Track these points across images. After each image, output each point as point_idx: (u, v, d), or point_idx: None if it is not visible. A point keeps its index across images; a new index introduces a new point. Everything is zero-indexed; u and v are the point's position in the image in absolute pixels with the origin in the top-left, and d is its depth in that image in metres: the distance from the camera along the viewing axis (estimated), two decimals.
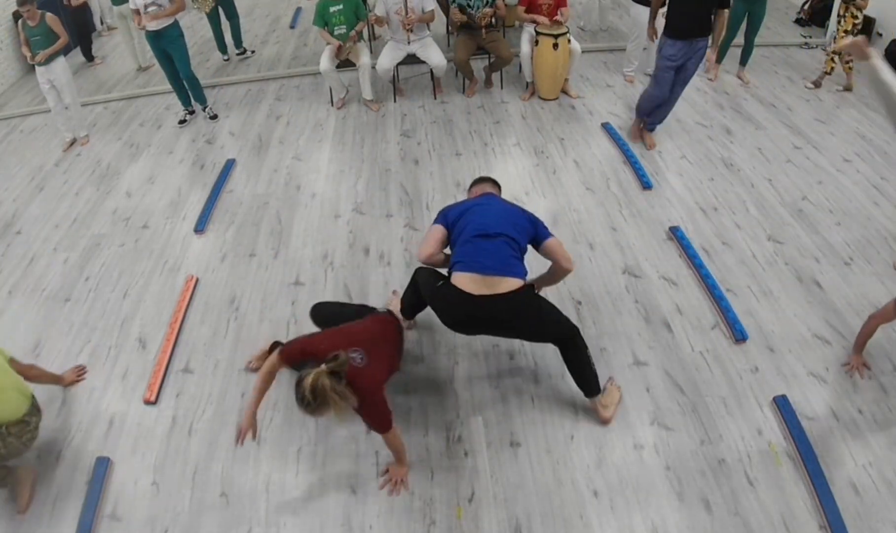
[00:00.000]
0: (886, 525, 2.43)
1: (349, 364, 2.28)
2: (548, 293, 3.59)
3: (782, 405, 2.88)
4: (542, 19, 5.37)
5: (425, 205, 4.41)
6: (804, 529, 2.44)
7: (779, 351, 3.18)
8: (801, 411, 2.86)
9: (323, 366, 2.21)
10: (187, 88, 5.65)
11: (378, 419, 2.47)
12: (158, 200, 4.69)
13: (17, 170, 4.65)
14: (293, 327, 3.48)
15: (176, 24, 5.32)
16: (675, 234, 3.96)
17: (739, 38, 5.82)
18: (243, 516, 2.62)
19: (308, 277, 3.83)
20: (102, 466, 2.81)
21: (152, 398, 3.12)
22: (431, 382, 3.14)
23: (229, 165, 5.04)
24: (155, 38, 5.26)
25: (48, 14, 5.04)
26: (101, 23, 8.47)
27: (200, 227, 4.33)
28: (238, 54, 7.07)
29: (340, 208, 4.44)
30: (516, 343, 3.30)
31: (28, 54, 5.11)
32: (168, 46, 5.31)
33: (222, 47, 7.01)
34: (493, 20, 5.45)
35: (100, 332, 3.57)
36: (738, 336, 3.23)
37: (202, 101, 5.79)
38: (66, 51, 5.24)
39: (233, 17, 6.93)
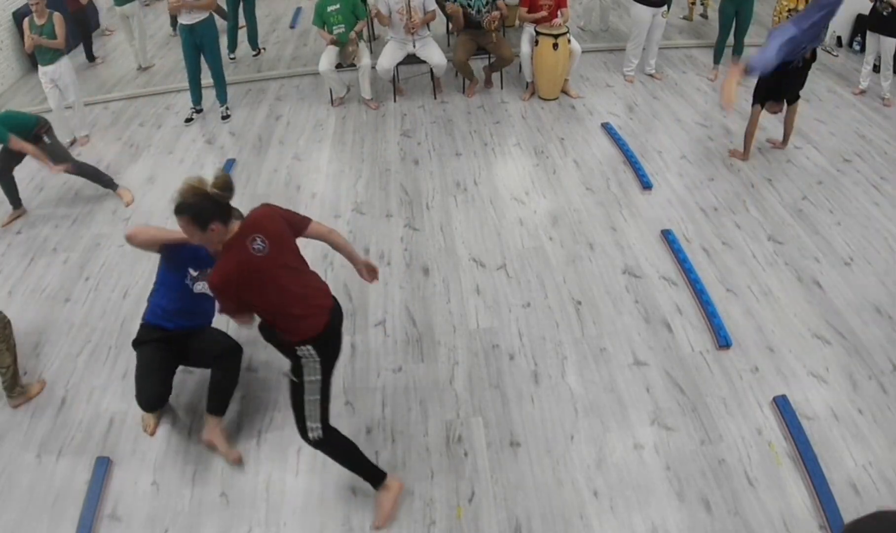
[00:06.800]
0: None
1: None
2: (548, 295, 3.60)
3: (782, 405, 2.87)
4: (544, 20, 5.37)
5: (425, 205, 4.40)
6: (804, 529, 2.44)
7: (779, 351, 3.18)
8: (801, 411, 2.86)
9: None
10: (214, 84, 5.69)
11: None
12: (158, 200, 4.69)
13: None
14: None
15: (211, 19, 5.40)
16: (667, 237, 3.95)
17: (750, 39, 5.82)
18: (243, 516, 2.62)
19: None
20: (102, 466, 2.81)
21: None
22: (431, 382, 3.14)
23: (229, 165, 5.03)
24: (189, 31, 5.33)
25: (56, 14, 5.05)
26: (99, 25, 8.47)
27: None
28: (253, 55, 7.14)
29: (340, 208, 4.44)
30: (516, 343, 3.30)
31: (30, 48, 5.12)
32: (200, 40, 5.38)
33: (232, 45, 7.02)
34: (499, 23, 5.45)
35: (100, 332, 3.57)
36: (722, 343, 3.20)
37: (223, 99, 5.83)
38: (68, 50, 5.24)
39: (251, 18, 6.96)
